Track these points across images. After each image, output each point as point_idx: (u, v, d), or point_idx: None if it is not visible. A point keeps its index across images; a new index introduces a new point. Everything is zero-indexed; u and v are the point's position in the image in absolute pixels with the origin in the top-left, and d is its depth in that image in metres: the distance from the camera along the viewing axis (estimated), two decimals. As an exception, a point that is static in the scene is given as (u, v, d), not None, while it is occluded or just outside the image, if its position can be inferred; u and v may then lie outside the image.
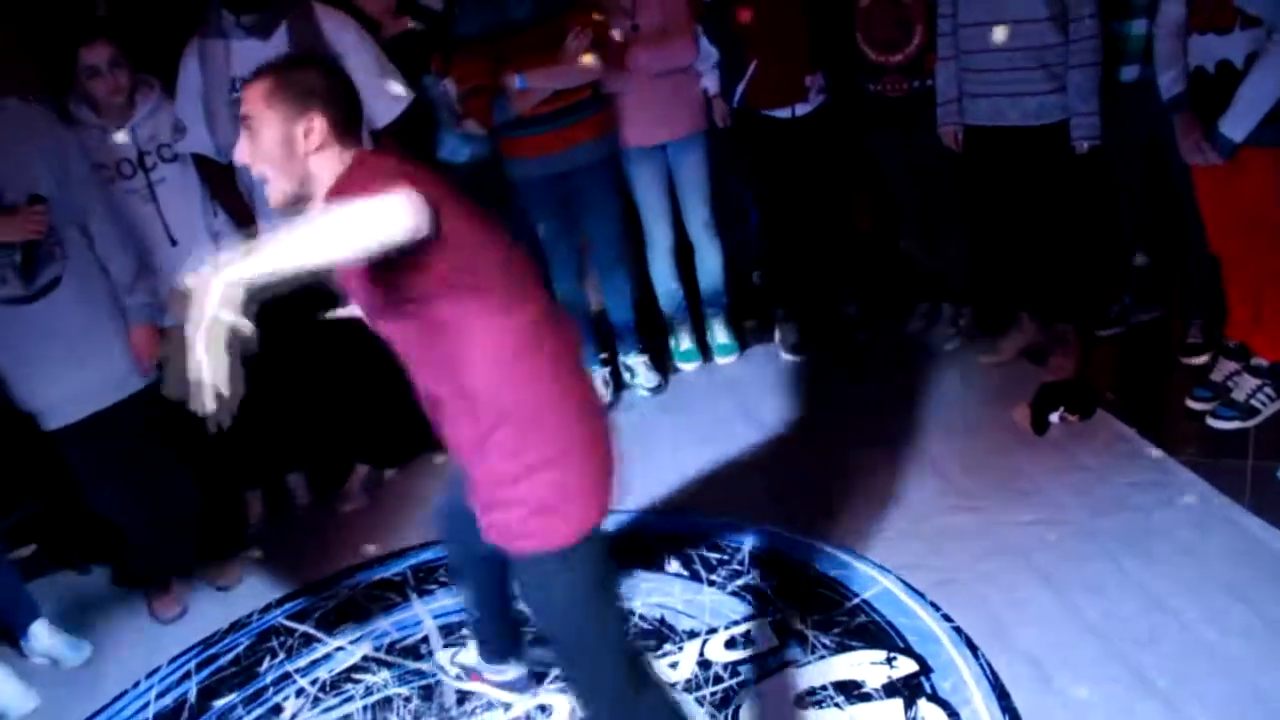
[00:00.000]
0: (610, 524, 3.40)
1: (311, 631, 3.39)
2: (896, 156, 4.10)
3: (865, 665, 2.79)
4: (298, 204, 2.03)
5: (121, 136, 3.51)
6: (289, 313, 3.64)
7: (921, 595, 2.97)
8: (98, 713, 3.30)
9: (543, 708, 2.88)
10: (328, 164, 2.03)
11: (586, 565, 2.11)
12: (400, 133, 3.72)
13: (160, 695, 3.31)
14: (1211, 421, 3.48)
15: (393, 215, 1.73)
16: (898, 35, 3.85)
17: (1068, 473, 3.37)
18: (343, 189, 1.94)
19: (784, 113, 4.07)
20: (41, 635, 3.58)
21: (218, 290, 1.61)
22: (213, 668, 3.36)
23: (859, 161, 4.26)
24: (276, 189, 2.04)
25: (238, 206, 3.66)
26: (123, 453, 3.46)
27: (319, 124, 2.01)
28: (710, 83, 4.15)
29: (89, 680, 3.47)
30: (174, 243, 3.60)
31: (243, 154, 2.05)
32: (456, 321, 1.95)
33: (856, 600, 3.01)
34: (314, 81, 2.04)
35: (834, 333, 4.45)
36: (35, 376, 3.30)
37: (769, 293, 4.57)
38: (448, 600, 3.36)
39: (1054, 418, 3.60)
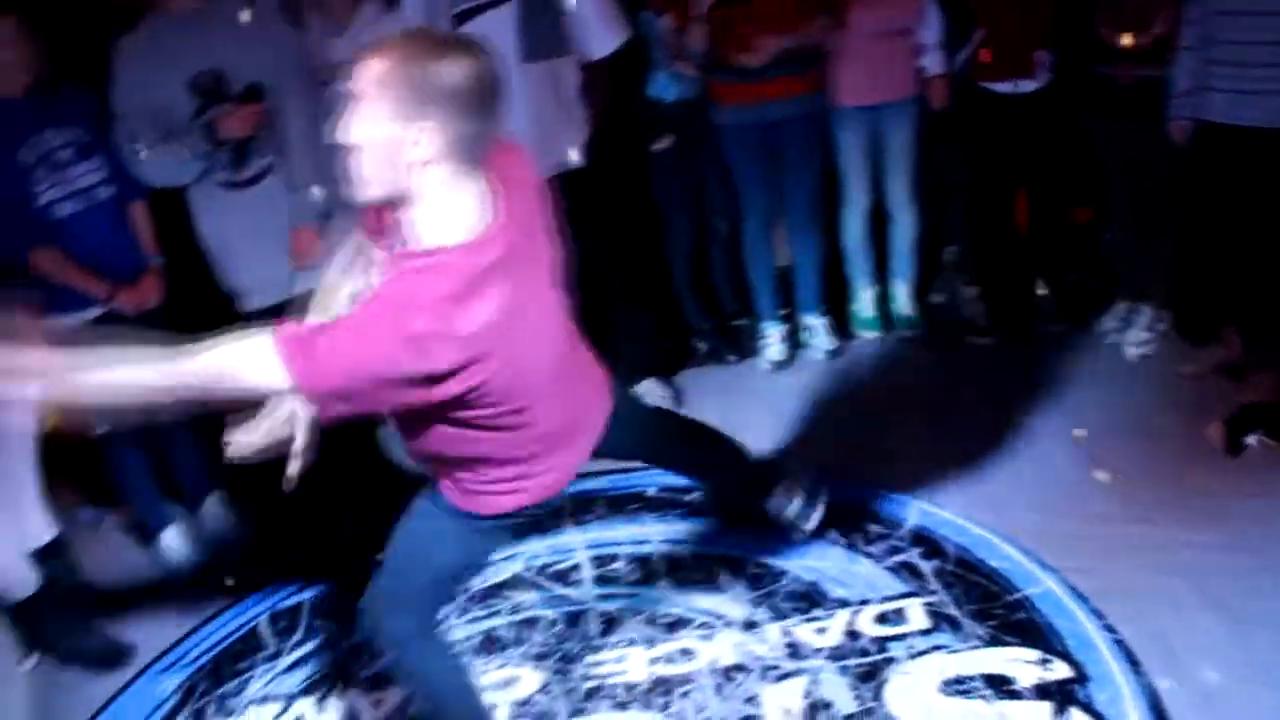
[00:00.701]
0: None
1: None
2: (1116, 145, 3.91)
3: (1019, 662, 2.71)
4: (384, 204, 1.90)
5: (342, 43, 3.59)
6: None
7: (1086, 601, 2.86)
8: (261, 586, 3.45)
9: (685, 651, 2.89)
10: (431, 188, 1.81)
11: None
12: (611, 66, 3.72)
13: (318, 580, 3.44)
14: None
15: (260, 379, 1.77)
16: (1139, 19, 3.66)
17: (1259, 499, 3.19)
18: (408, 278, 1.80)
19: (1006, 87, 3.91)
20: (215, 507, 3.77)
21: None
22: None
23: (1080, 148, 4.06)
24: (362, 187, 1.84)
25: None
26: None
27: (432, 138, 1.76)
28: (932, 62, 4.01)
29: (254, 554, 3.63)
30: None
31: (339, 131, 1.81)
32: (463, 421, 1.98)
33: (1017, 595, 2.92)
34: (448, 80, 1.75)
35: (1024, 320, 4.29)
36: (239, 258, 3.45)
37: (962, 271, 4.44)
38: (603, 532, 3.41)
39: (1251, 440, 3.41)
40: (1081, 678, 2.64)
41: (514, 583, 3.27)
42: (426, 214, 1.84)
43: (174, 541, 3.64)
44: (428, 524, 2.32)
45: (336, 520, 3.53)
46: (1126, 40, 3.68)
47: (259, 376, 1.77)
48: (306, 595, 3.38)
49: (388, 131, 1.75)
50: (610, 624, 3.04)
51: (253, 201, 3.39)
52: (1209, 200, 3.69)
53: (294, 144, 3.42)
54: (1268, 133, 3.45)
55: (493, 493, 2.22)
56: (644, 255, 4.10)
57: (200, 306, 3.63)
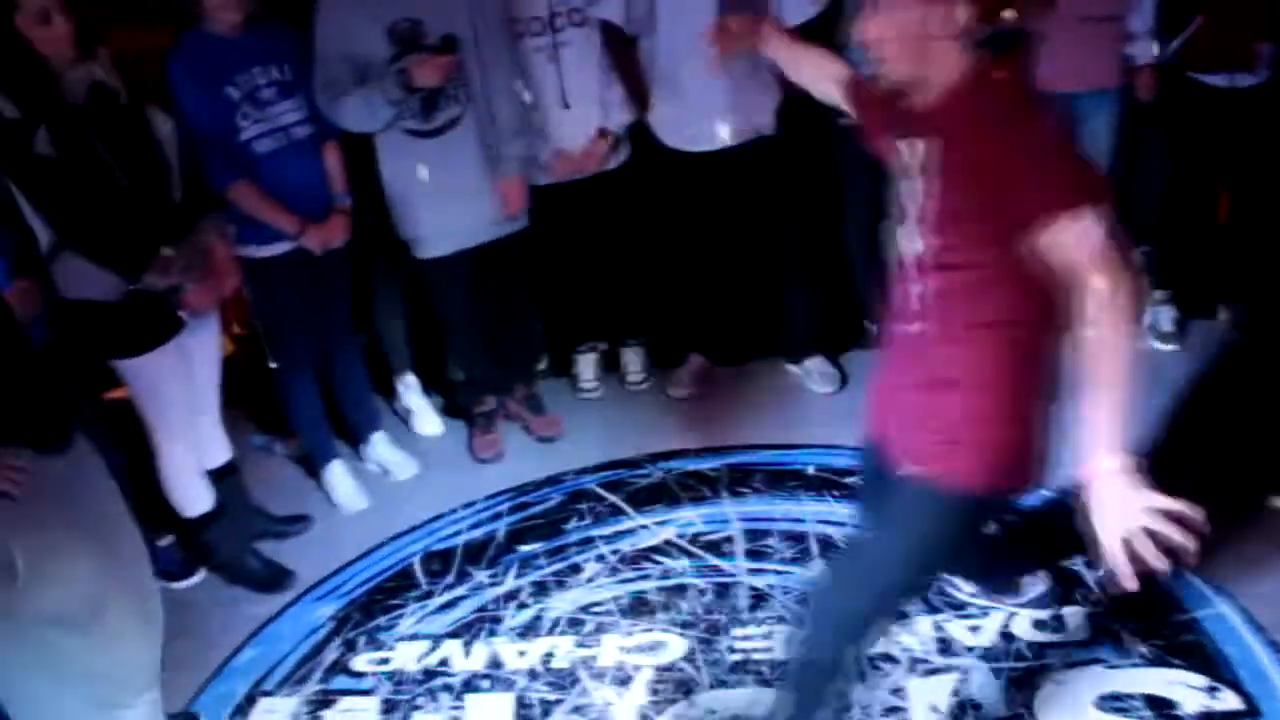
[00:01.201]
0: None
1: (621, 504, 3.50)
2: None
3: (1183, 687, 2.59)
4: (903, 90, 1.93)
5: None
6: (669, 189, 3.74)
7: (1263, 631, 2.72)
8: (415, 528, 3.54)
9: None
10: (949, 59, 1.87)
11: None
12: (811, 32, 3.64)
13: (473, 527, 3.51)
14: None
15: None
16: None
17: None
18: (986, 114, 1.83)
19: (1221, 80, 3.69)
20: (380, 445, 3.87)
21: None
22: (523, 514, 3.54)
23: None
24: (893, 69, 1.90)
25: (634, 79, 3.71)
26: (486, 291, 3.66)
27: (963, 12, 1.83)
28: (1141, 51, 3.80)
29: (412, 495, 3.74)
30: (567, 105, 3.69)
31: (869, 28, 1.89)
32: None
33: (1188, 616, 2.79)
34: None
35: (1210, 325, 4.08)
36: (421, 206, 3.51)
37: (1151, 272, 4.23)
38: (758, 507, 3.38)
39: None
40: (1252, 711, 2.51)
41: (665, 548, 3.27)
42: (949, 90, 1.89)
43: (337, 476, 3.75)
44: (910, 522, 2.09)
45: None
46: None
47: None
48: (459, 540, 3.45)
49: (923, 11, 1.84)
50: (759, 599, 3.02)
51: (438, 151, 3.44)
52: None
53: (496, 95, 3.47)
54: None
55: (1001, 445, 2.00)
56: (823, 230, 4.02)
57: (378, 250, 3.74)
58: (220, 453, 3.40)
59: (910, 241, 2.01)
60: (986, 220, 1.83)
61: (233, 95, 3.25)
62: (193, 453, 3.25)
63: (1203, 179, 3.92)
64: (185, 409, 3.17)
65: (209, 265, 3.06)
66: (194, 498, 3.28)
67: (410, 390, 4.11)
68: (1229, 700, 2.54)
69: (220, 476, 3.38)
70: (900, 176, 2.03)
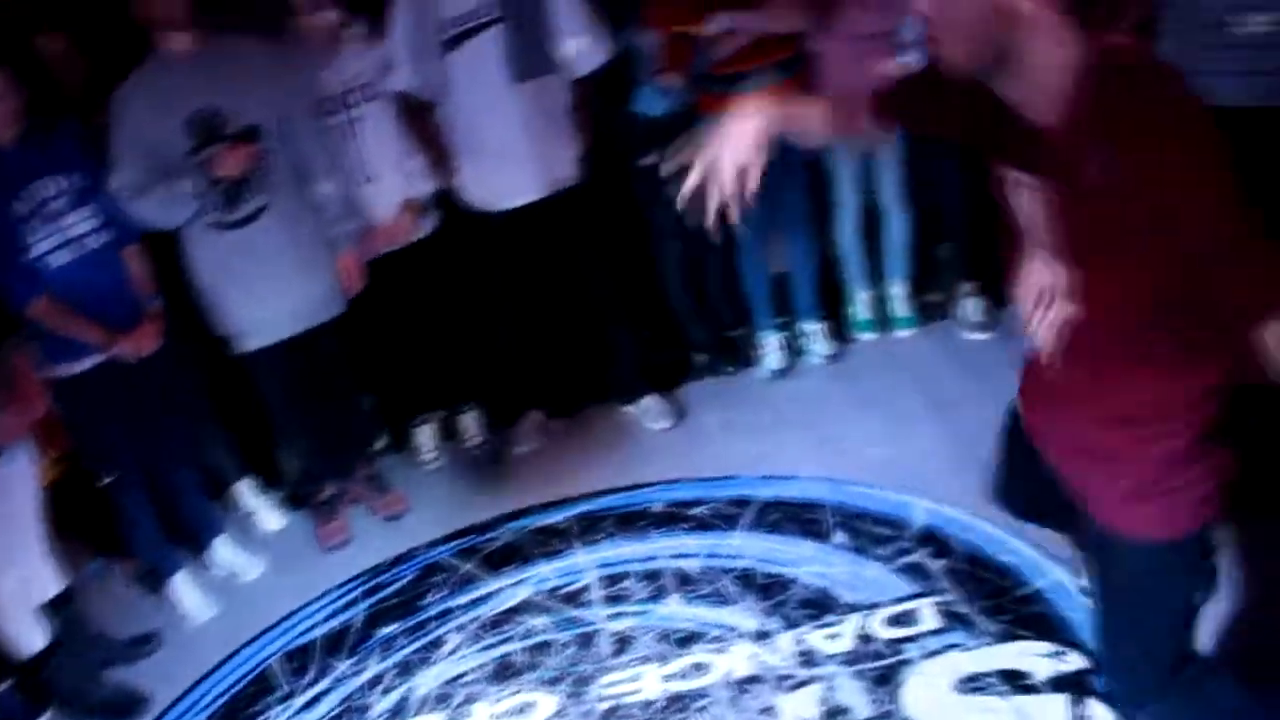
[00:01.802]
0: (776, 491, 3.45)
1: (474, 570, 3.46)
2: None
3: (1032, 656, 2.69)
4: (973, 73, 1.56)
5: (328, 74, 3.61)
6: (481, 250, 3.77)
7: (1099, 591, 2.85)
8: (268, 629, 3.45)
9: (698, 665, 2.88)
10: (1044, 41, 1.50)
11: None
12: (598, 82, 3.73)
13: (328, 618, 3.44)
14: None
15: None
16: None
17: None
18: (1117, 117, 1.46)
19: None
20: (223, 548, 3.77)
21: None
22: (378, 596, 3.48)
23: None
24: (948, 51, 1.54)
25: (434, 146, 3.72)
26: (310, 378, 3.60)
27: None
28: (916, 60, 3.99)
29: (262, 596, 3.64)
30: (368, 180, 3.69)
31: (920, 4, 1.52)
32: None
33: (1028, 589, 2.90)
34: None
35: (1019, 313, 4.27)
36: (235, 299, 3.45)
37: (958, 266, 4.42)
38: (611, 551, 3.39)
39: None
40: (1097, 667, 2.60)
41: (525, 607, 3.25)
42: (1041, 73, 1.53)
43: (183, 587, 3.63)
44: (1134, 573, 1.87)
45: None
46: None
47: None
48: (317, 633, 3.38)
49: None
50: (623, 643, 3.03)
51: (246, 242, 3.39)
52: None
53: (314, 177, 3.46)
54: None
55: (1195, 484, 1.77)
56: (638, 271, 4.10)
57: (200, 349, 3.66)
58: (52, 584, 3.24)
59: (1048, 268, 1.75)
60: (1147, 249, 1.53)
61: (19, 211, 3.16)
62: (22, 588, 3.11)
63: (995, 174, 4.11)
64: (7, 543, 3.04)
65: (13, 392, 2.95)
66: (28, 635, 3.13)
67: (246, 490, 4.01)
68: (1074, 661, 2.64)
69: (56, 608, 3.23)
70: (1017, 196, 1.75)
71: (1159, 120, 1.45)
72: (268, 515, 4.01)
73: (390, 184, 3.72)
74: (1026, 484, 2.21)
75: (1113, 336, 1.70)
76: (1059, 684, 2.59)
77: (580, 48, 3.64)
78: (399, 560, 3.61)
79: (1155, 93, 1.48)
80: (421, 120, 3.70)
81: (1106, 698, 2.31)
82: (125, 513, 3.56)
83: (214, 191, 3.30)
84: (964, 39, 1.52)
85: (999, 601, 2.87)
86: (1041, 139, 1.57)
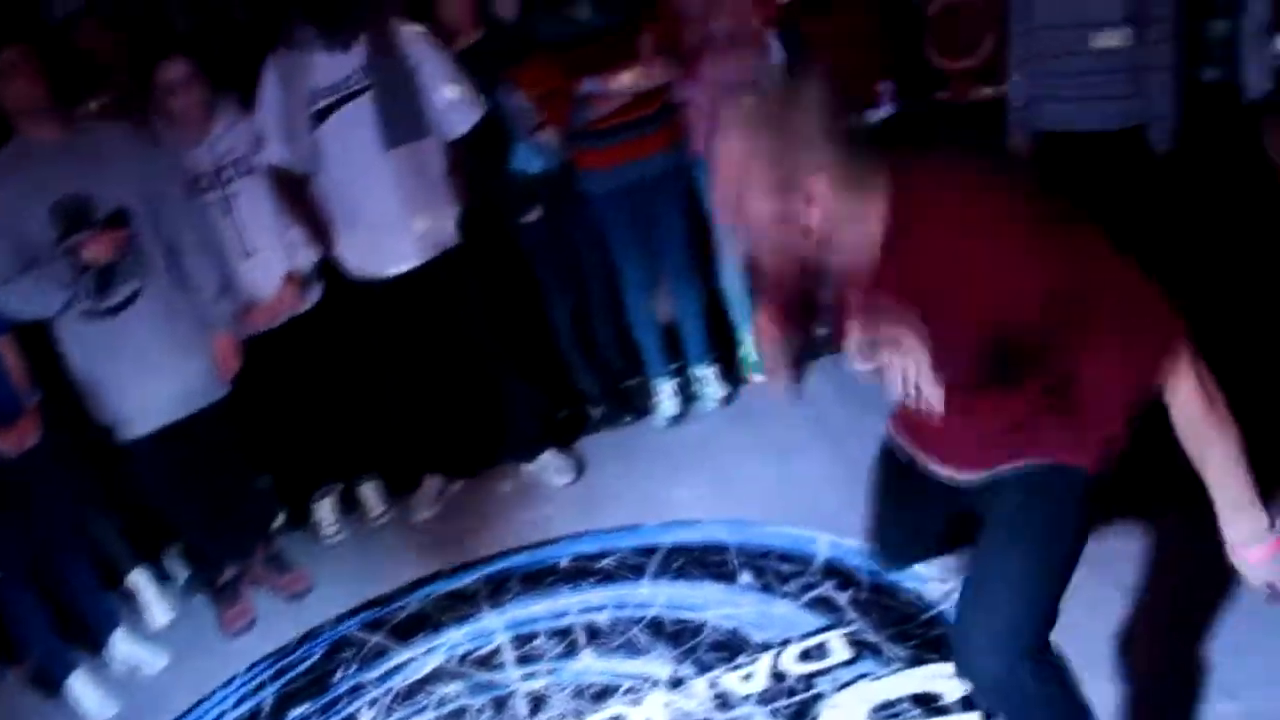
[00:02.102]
0: (680, 537, 3.46)
1: (384, 642, 3.41)
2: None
3: (942, 678, 2.72)
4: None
5: (200, 152, 3.58)
6: (366, 318, 3.75)
7: (1000, 609, 2.91)
8: (176, 720, 3.35)
9: (615, 718, 2.87)
10: (851, 215, 1.70)
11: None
12: (473, 143, 3.76)
13: (236, 704, 3.34)
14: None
15: None
16: (968, 41, 3.81)
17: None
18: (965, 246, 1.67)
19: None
20: (122, 643, 3.65)
21: None
22: (287, 678, 3.39)
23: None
24: (776, 268, 1.80)
25: (312, 218, 3.70)
26: (199, 462, 3.53)
27: (821, 188, 1.66)
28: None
29: (166, 688, 3.53)
30: (248, 255, 3.65)
31: (725, 214, 1.74)
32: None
33: (932, 612, 2.95)
34: (805, 126, 1.64)
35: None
36: (112, 388, 3.37)
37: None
38: (520, 611, 3.36)
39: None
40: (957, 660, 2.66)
41: (437, 675, 3.21)
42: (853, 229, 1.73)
43: (81, 687, 3.51)
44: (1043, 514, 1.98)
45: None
46: (958, 64, 3.82)
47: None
48: (225, 720, 3.30)
49: (775, 207, 1.69)
50: (538, 703, 3.00)
51: (120, 329, 3.32)
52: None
53: (189, 258, 3.40)
54: (1106, 135, 3.60)
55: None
56: (528, 328, 4.11)
57: (85, 438, 3.56)
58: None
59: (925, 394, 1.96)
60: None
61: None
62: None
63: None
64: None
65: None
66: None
67: (144, 579, 3.89)
68: (984, 681, 2.69)
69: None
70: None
71: (953, 226, 1.67)
72: (167, 604, 3.89)
73: (270, 258, 3.68)
74: (903, 529, 2.43)
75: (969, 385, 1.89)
76: (969, 703, 2.62)
77: (451, 111, 3.66)
78: (306, 639, 3.53)
79: (948, 201, 1.70)
80: (297, 192, 3.68)
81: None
82: (13, 612, 3.43)
83: (84, 279, 3.23)
84: (784, 258, 1.77)
85: (905, 627, 2.91)
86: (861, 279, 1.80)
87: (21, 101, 3.17)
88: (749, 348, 4.43)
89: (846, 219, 1.70)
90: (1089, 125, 3.62)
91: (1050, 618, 1.99)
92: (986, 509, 2.09)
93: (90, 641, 3.65)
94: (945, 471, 2.17)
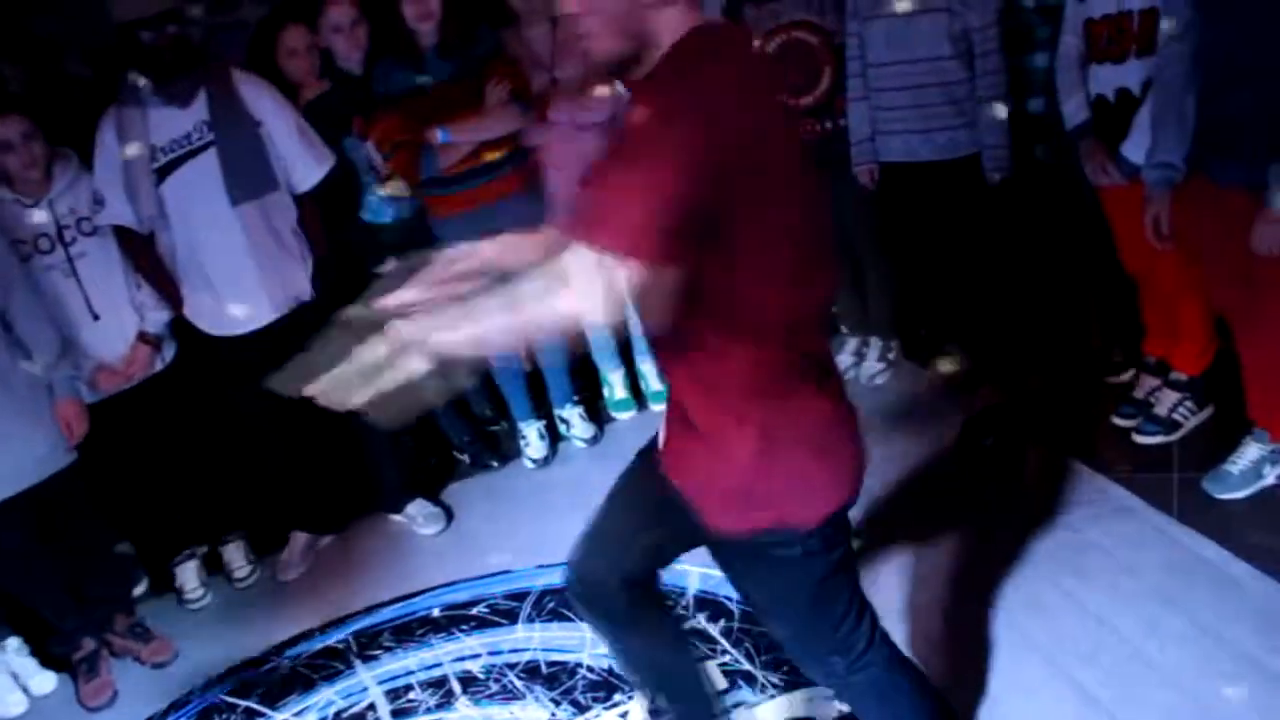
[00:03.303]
0: (552, 579, 3.47)
1: (255, 706, 3.31)
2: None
3: (817, 701, 2.79)
4: (624, 65, 1.73)
5: (39, 212, 3.47)
6: (223, 375, 3.66)
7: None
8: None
9: (495, 766, 2.85)
10: (669, 24, 1.70)
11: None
12: (323, 196, 3.72)
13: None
14: (1137, 438, 3.55)
15: (589, 309, 1.54)
16: (806, 78, 3.94)
17: (1002, 498, 3.42)
18: (665, 78, 1.68)
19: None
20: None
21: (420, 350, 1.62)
22: (154, 751, 3.28)
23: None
24: (601, 45, 1.70)
25: (160, 277, 3.61)
26: (51, 532, 3.39)
27: None
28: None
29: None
30: (96, 317, 3.55)
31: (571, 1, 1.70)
32: None
33: (803, 636, 3.01)
34: None
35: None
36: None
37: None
38: (393, 664, 3.31)
39: (988, 442, 3.65)
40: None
41: (311, 736, 3.15)
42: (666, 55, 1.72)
43: None
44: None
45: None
46: (796, 100, 3.95)
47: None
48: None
49: None
50: (416, 756, 2.96)
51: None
52: (906, 232, 4.00)
53: (31, 324, 3.28)
54: (942, 164, 3.76)
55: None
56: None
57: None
58: None
59: None
60: None
61: None
62: None
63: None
64: None
65: None
66: None
67: (9, 652, 3.71)
68: (854, 700, 2.75)
69: None
70: None
71: (686, 69, 1.66)
72: (25, 683, 3.71)
73: (119, 319, 3.57)
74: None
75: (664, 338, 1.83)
76: (844, 723, 2.70)
77: (299, 163, 3.63)
78: (172, 708, 3.42)
79: (705, 50, 1.69)
80: (145, 251, 3.59)
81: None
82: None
83: None
84: (610, 33, 1.69)
85: (778, 654, 2.95)
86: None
87: None
88: (614, 387, 4.47)
89: (672, 26, 1.70)
90: (927, 155, 3.78)
91: (841, 626, 2.03)
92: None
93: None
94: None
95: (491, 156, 3.94)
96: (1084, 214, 3.65)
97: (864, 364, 4.35)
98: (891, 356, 4.35)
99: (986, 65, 3.63)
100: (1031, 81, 3.73)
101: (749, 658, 2.98)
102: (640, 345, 4.43)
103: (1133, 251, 3.46)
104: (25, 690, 3.63)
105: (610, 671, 3.05)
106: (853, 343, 4.42)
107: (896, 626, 2.93)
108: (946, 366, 4.19)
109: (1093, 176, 3.40)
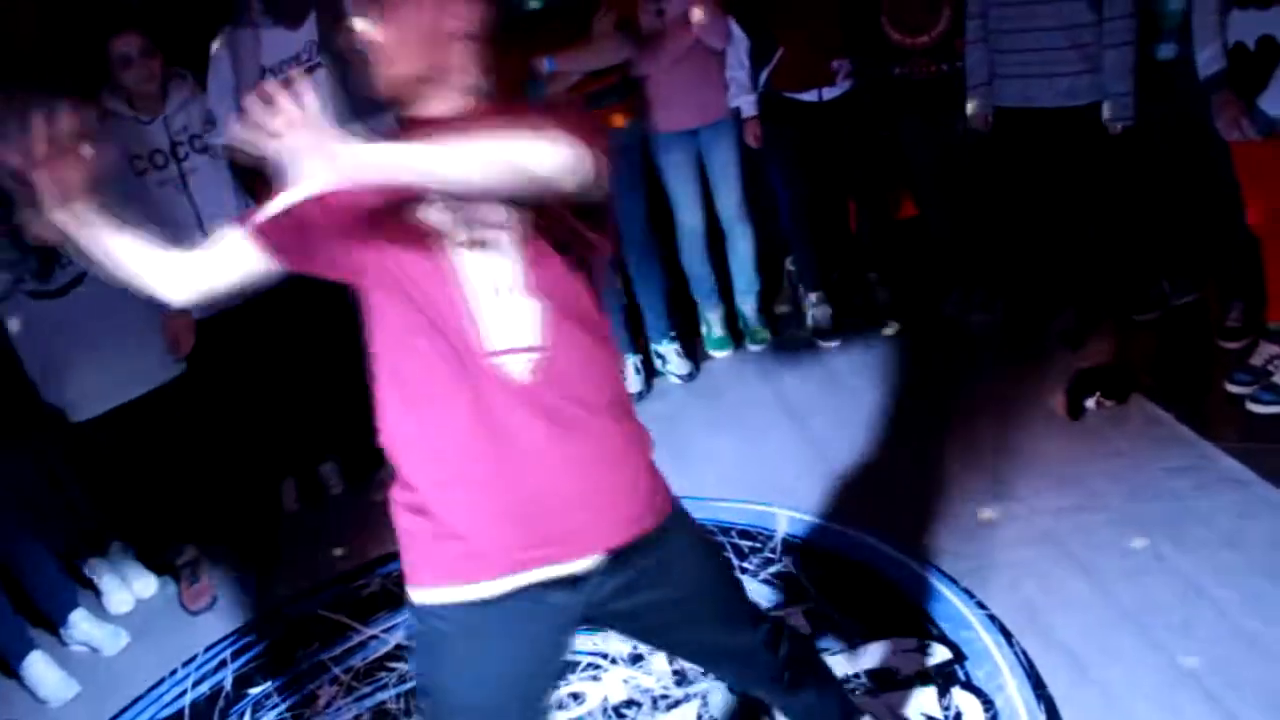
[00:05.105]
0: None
1: (345, 621, 3.41)
2: (923, 141, 4.06)
3: (898, 653, 2.77)
4: (409, 92, 1.71)
5: (154, 128, 3.54)
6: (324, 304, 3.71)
7: (955, 582, 2.95)
8: (135, 700, 3.34)
9: (575, 695, 2.88)
10: (467, 63, 1.72)
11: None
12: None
13: (196, 683, 3.34)
14: (1251, 406, 3.42)
15: (570, 161, 1.54)
16: (924, 18, 3.83)
17: (1104, 459, 3.33)
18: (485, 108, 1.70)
19: (810, 96, 4.03)
20: (80, 623, 3.63)
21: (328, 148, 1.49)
22: (248, 656, 3.39)
23: (893, 148, 4.20)
24: (395, 70, 1.69)
25: (268, 196, 3.66)
26: (152, 443, 3.50)
27: (471, 11, 1.72)
28: (746, 105, 4.11)
29: (126, 668, 3.51)
30: (205, 232, 3.61)
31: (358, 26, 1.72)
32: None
33: (891, 586, 2.98)
34: None
35: (865, 319, 4.41)
36: (62, 370, 3.33)
37: (799, 278, 4.54)
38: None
39: (1090, 403, 3.56)
40: (959, 657, 2.70)
41: (397, 653, 3.21)
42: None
43: (39, 668, 3.49)
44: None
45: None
46: (914, 40, 3.83)
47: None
48: (185, 701, 3.28)
49: (433, 10, 1.69)
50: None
51: (66, 312, 3.27)
52: (1019, 181, 3.87)
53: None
54: (1061, 111, 3.62)
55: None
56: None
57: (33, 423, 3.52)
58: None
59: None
60: None
61: None
62: None
63: (827, 186, 4.26)
64: None
65: None
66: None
67: (101, 564, 3.86)
68: (939, 653, 2.73)
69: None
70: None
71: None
72: (129, 584, 3.87)
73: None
74: None
75: None
76: (925, 677, 2.67)
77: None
78: (269, 616, 3.53)
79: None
80: (252, 170, 3.63)
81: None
82: (-34, 595, 3.42)
83: (27, 260, 3.17)
84: (410, 58, 1.68)
85: (861, 602, 2.94)
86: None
87: None
88: (711, 325, 4.44)
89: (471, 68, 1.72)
90: (1046, 101, 3.65)
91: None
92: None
93: (49, 622, 3.63)
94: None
95: (598, 86, 3.90)
96: (1209, 169, 3.50)
97: (970, 313, 4.26)
98: (998, 308, 4.24)
99: (1115, 7, 3.48)
100: (1162, 25, 3.56)
101: (833, 604, 2.96)
102: (742, 283, 4.39)
103: (1263, 213, 3.31)
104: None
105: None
106: (958, 292, 4.32)
107: (987, 585, 2.89)
108: (1056, 322, 4.07)
109: (1225, 131, 3.24)
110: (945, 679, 2.65)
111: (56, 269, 3.23)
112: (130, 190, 3.37)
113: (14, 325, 3.28)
